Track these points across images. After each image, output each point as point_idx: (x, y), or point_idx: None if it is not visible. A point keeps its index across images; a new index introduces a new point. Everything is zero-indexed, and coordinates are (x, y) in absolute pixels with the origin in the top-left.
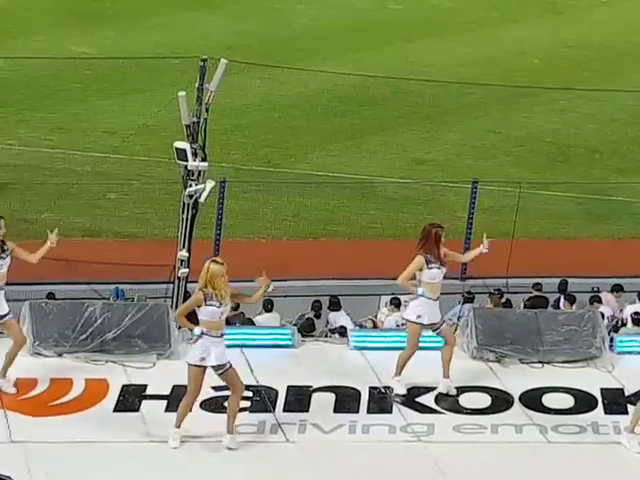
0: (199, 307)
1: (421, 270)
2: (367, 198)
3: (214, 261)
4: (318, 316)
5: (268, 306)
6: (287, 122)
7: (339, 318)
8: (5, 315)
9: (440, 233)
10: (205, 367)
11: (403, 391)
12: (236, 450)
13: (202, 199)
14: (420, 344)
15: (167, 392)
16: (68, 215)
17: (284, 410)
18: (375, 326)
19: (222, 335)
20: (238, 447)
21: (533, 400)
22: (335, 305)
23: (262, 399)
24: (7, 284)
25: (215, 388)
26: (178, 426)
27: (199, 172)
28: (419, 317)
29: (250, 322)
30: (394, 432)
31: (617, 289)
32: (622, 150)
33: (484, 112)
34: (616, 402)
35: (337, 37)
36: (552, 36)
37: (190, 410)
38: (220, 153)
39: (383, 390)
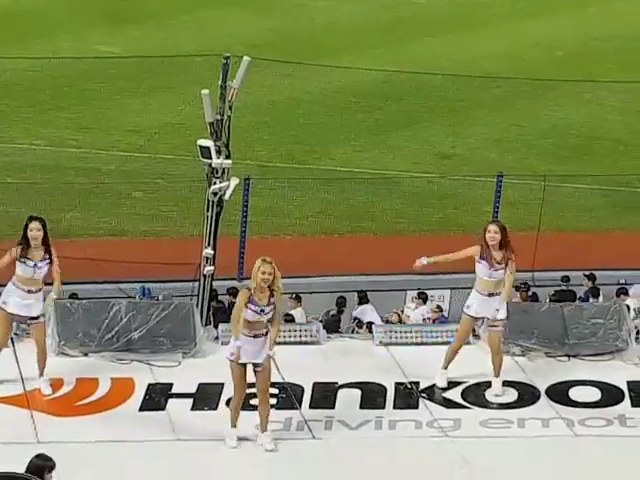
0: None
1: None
2: (392, 193)
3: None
4: (341, 312)
5: (298, 300)
6: (311, 119)
7: (368, 312)
8: (36, 317)
9: (486, 227)
10: (241, 363)
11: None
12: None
13: (227, 197)
14: (444, 339)
15: (193, 390)
16: (93, 214)
17: (310, 407)
18: (400, 320)
19: (257, 336)
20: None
21: (560, 394)
22: (364, 299)
23: (288, 396)
24: None
25: None
26: (234, 426)
27: (223, 170)
28: (467, 307)
29: None
30: (420, 427)
31: None
32: None
33: (509, 105)
34: None
35: (361, 33)
36: (576, 29)
37: (242, 407)
38: (244, 150)
39: (409, 385)
